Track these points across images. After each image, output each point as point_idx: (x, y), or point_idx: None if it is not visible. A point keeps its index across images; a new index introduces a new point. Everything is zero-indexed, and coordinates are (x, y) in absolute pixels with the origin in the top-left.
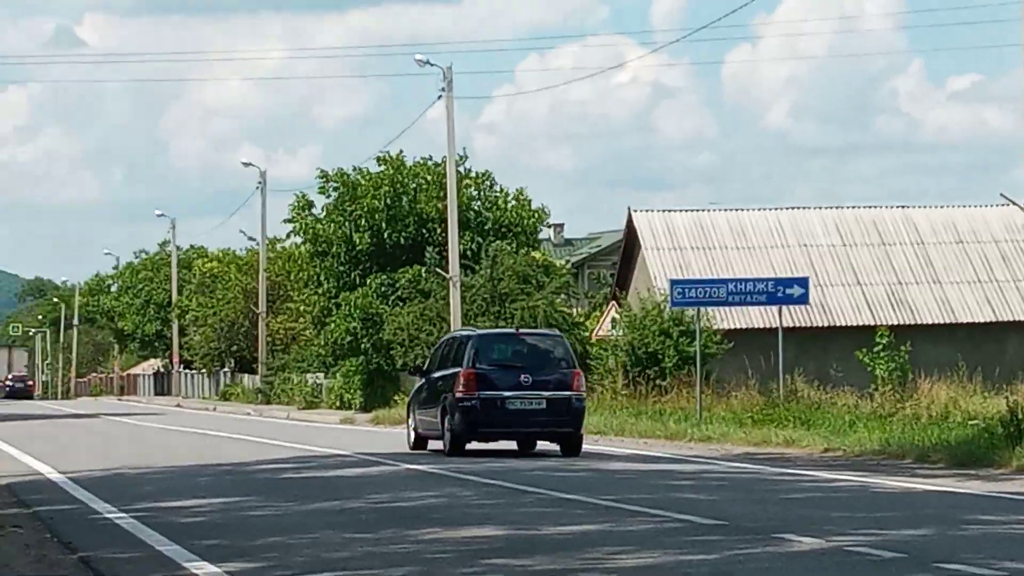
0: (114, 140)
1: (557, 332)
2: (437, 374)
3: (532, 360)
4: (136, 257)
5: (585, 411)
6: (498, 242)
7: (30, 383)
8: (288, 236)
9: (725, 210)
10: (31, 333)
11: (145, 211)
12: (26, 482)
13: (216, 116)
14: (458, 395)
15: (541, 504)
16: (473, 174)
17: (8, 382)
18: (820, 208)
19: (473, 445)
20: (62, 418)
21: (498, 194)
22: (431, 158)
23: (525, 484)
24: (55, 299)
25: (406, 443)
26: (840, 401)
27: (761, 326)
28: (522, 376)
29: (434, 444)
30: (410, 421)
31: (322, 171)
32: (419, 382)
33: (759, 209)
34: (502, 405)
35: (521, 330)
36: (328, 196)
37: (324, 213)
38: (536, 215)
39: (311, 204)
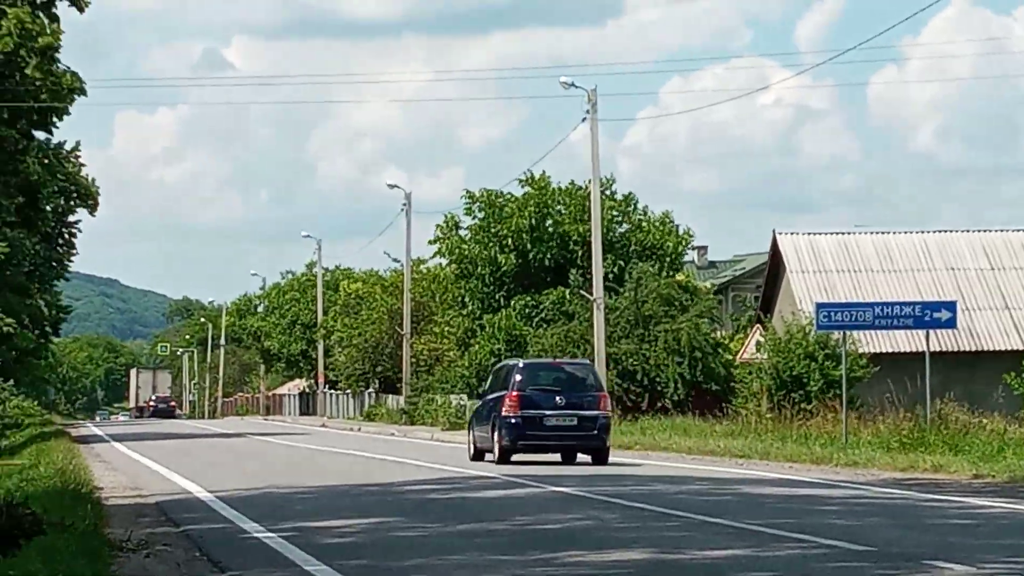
0: (260, 161)
1: (587, 361)
2: (490, 396)
3: (567, 384)
4: (283, 278)
5: (611, 427)
6: (642, 264)
7: (172, 403)
8: (433, 256)
9: (871, 232)
10: (178, 353)
11: (290, 232)
12: (175, 501)
13: (361, 138)
14: (504, 413)
15: (687, 528)
16: (618, 197)
17: (153, 403)
18: (967, 231)
19: (518, 457)
20: (209, 437)
21: (642, 216)
22: (573, 182)
23: (670, 507)
24: (202, 319)
25: (471, 456)
26: (989, 426)
27: (907, 350)
28: (558, 398)
29: (490, 456)
30: (470, 436)
31: (468, 192)
32: (477, 403)
33: (905, 232)
34: (541, 422)
35: (557, 359)
36: (473, 217)
37: (469, 234)
38: (682, 239)
39: (458, 225)
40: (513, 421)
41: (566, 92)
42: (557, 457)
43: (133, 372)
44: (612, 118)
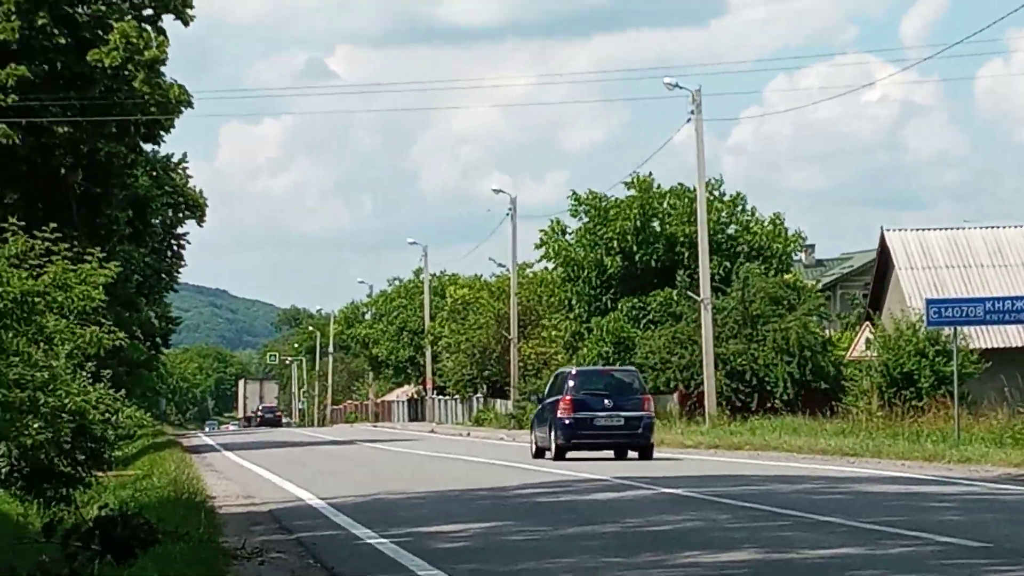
0: (364, 170)
1: (633, 368)
2: (548, 400)
3: (615, 389)
4: (390, 284)
5: (654, 426)
6: (749, 264)
7: (279, 412)
8: (539, 260)
9: (980, 228)
10: (287, 361)
11: (395, 239)
12: (287, 508)
13: (464, 143)
14: (559, 415)
15: (798, 527)
16: (726, 197)
17: (260, 412)
18: None
19: (573, 454)
20: (319, 445)
21: (750, 218)
22: (681, 184)
23: (781, 507)
24: (310, 327)
25: (533, 454)
26: None
27: (1019, 344)
28: (606, 400)
29: (548, 454)
30: (530, 437)
31: (574, 193)
32: (537, 407)
33: (1016, 226)
34: (592, 422)
35: (607, 367)
36: (579, 219)
37: (575, 237)
38: (793, 241)
39: (564, 229)
40: (567, 422)
41: (670, 93)
42: (609, 454)
43: (241, 383)
44: (716, 118)
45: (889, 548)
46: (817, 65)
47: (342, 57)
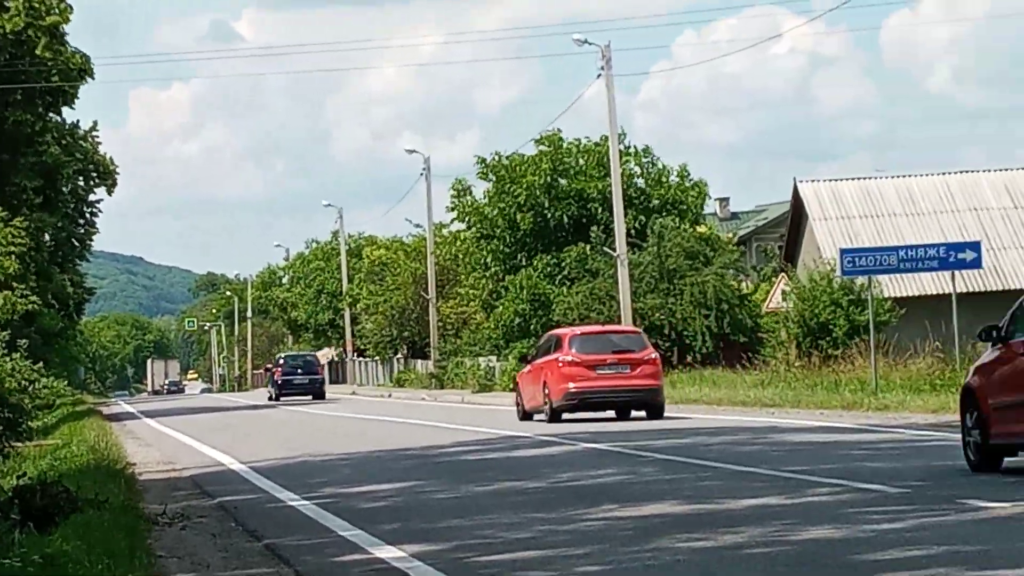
0: (277, 133)
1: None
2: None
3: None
4: (307, 247)
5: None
6: (664, 218)
7: (182, 385)
8: (452, 222)
9: (892, 177)
10: (206, 327)
11: (310, 202)
12: (208, 473)
13: (376, 105)
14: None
15: (719, 478)
16: (633, 150)
17: (165, 385)
18: (989, 171)
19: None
20: (240, 410)
21: (660, 170)
22: (588, 138)
23: (703, 459)
24: (228, 292)
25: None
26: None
27: (933, 292)
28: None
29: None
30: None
31: (480, 158)
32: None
33: (927, 175)
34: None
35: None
36: (488, 181)
37: (486, 197)
38: (700, 189)
39: (469, 189)
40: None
41: (580, 49)
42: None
43: (149, 362)
44: (626, 73)
45: (812, 496)
46: (726, 19)
47: (248, 20)
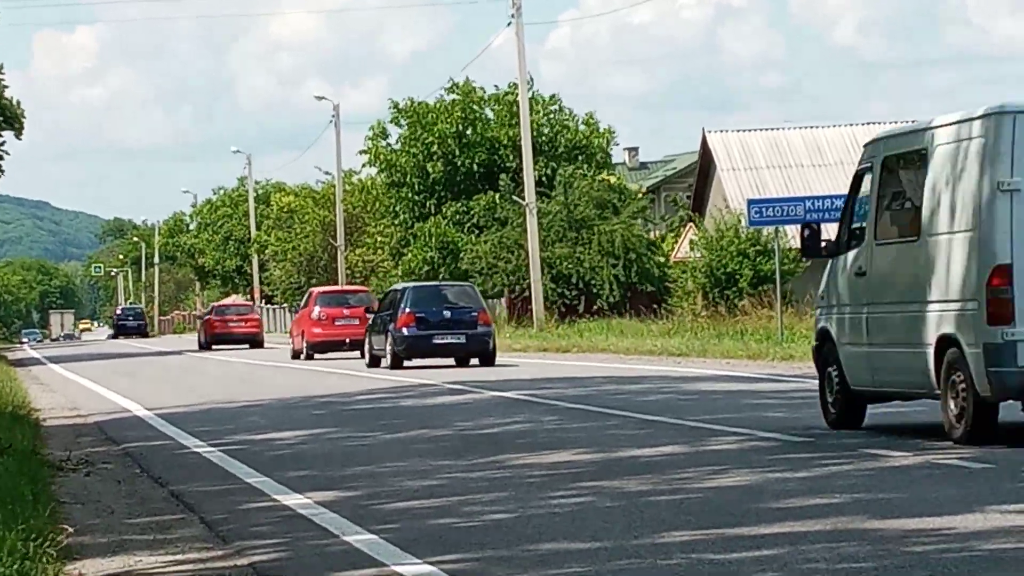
0: (183, 78)
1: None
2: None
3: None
4: (215, 194)
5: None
6: (572, 167)
7: (77, 336)
8: (363, 167)
9: (800, 128)
10: (112, 273)
11: (218, 149)
12: (114, 419)
13: (283, 50)
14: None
15: (626, 427)
16: (540, 98)
17: (62, 335)
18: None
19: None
20: (147, 356)
21: (567, 117)
22: (497, 87)
23: (610, 407)
24: (135, 239)
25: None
26: None
27: None
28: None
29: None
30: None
31: (393, 102)
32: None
33: (834, 126)
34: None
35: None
36: (400, 126)
37: (399, 144)
38: (605, 135)
39: (386, 133)
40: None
41: None
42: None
43: (51, 314)
44: (536, 21)
45: (717, 445)
46: None
47: None
